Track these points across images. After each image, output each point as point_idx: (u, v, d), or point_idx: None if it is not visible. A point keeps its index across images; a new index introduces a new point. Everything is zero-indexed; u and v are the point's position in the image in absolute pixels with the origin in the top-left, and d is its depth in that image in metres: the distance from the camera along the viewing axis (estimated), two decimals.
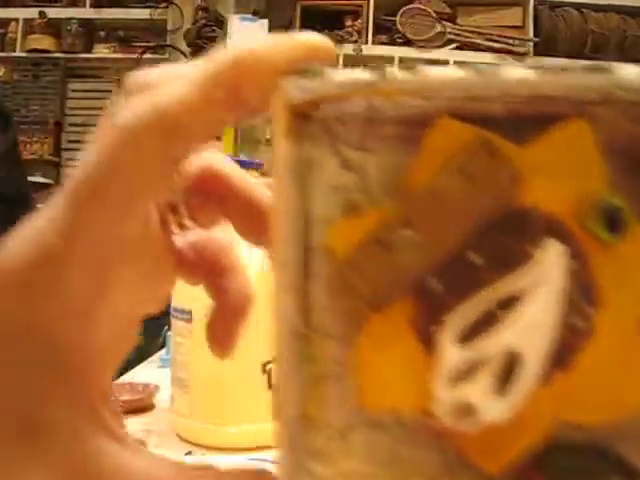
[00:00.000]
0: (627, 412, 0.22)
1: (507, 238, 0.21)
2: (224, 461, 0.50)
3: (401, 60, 2.89)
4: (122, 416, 0.23)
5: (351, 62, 2.82)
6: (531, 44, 3.07)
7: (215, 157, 0.28)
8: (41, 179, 3.12)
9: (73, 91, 3.53)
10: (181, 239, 0.28)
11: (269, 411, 0.56)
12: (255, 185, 0.28)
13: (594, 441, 0.23)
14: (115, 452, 0.19)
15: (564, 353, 0.21)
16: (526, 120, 0.20)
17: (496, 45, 3.05)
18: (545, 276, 0.20)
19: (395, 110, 0.20)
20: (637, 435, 0.23)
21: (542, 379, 0.21)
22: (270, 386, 0.55)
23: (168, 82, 0.20)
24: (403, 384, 0.22)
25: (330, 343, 0.23)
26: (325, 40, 0.21)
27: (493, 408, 0.21)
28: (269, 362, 0.55)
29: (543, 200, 0.20)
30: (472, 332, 0.21)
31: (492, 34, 3.07)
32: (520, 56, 3.04)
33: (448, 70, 0.19)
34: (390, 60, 2.89)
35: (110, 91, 3.39)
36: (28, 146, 3.24)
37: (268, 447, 0.53)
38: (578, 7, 3.06)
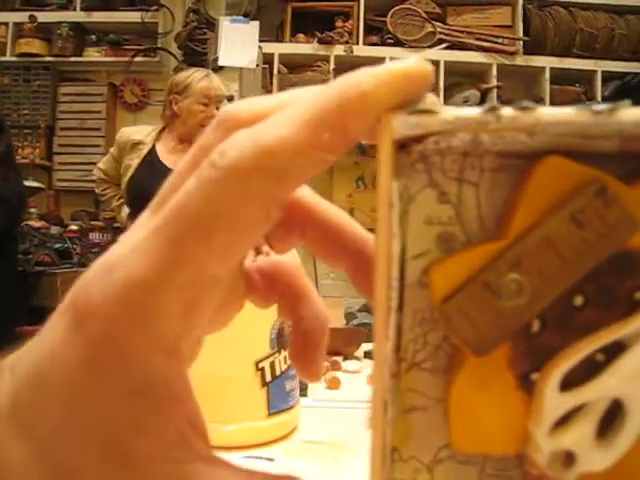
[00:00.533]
0: None
1: (616, 283, 0.20)
2: None
3: (392, 60, 2.88)
4: (209, 437, 0.23)
5: (342, 63, 2.82)
6: (520, 43, 3.08)
7: None
8: (33, 183, 3.08)
9: (64, 95, 3.48)
10: (251, 262, 0.28)
11: (262, 409, 0.55)
12: (336, 213, 0.28)
13: None
14: (209, 473, 0.20)
15: None
16: (634, 158, 0.20)
17: (486, 44, 3.06)
18: None
19: (500, 144, 0.20)
20: None
21: None
22: (263, 384, 0.55)
23: (273, 118, 0.19)
24: (499, 427, 0.22)
25: (419, 375, 0.23)
26: (421, 63, 0.21)
27: (593, 457, 0.20)
28: (262, 360, 0.55)
29: None
30: (576, 379, 0.20)
31: (482, 33, 3.08)
32: (510, 55, 3.06)
33: (561, 110, 0.19)
34: (381, 60, 2.89)
35: (101, 94, 3.36)
36: (20, 150, 3.20)
37: (261, 445, 0.53)
38: (566, 6, 3.09)
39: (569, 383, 0.21)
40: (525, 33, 3.12)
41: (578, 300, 0.20)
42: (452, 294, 0.20)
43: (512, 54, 3.16)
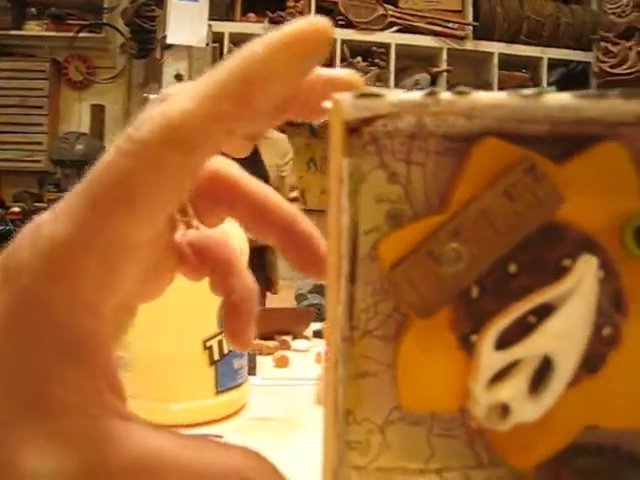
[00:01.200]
0: None
1: (545, 252, 0.22)
2: None
3: (343, 42, 2.89)
4: (126, 398, 0.24)
5: None
6: (470, 28, 3.13)
7: (222, 162, 0.29)
8: None
9: (3, 70, 3.33)
10: (182, 237, 0.29)
11: (210, 387, 0.56)
12: (263, 188, 0.29)
13: (620, 443, 0.25)
14: (125, 428, 0.21)
15: (593, 360, 0.23)
16: (565, 141, 0.22)
17: (437, 28, 3.09)
18: (579, 287, 0.22)
19: (443, 127, 0.22)
20: None
21: (571, 383, 0.23)
22: (211, 362, 0.56)
23: (180, 92, 0.21)
24: (442, 385, 0.24)
25: (371, 342, 0.25)
26: (314, 21, 0.22)
27: (526, 409, 0.23)
28: (210, 338, 0.56)
29: (580, 217, 0.22)
30: (510, 338, 0.23)
31: (432, 17, 3.11)
32: (460, 40, 3.10)
33: (494, 94, 0.20)
34: (332, 42, 2.89)
35: (44, 71, 3.24)
36: None
37: (210, 422, 0.54)
38: None
39: (505, 343, 0.23)
40: (475, 18, 3.17)
41: (512, 268, 0.22)
42: (398, 263, 0.22)
43: (462, 39, 3.20)
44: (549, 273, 0.22)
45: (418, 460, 0.26)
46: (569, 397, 0.23)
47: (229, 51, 2.62)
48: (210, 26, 2.55)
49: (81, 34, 3.14)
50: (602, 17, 3.01)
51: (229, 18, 2.91)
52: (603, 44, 3.16)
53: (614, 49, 3.08)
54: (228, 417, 0.60)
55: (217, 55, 2.62)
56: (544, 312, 0.22)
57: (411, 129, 0.22)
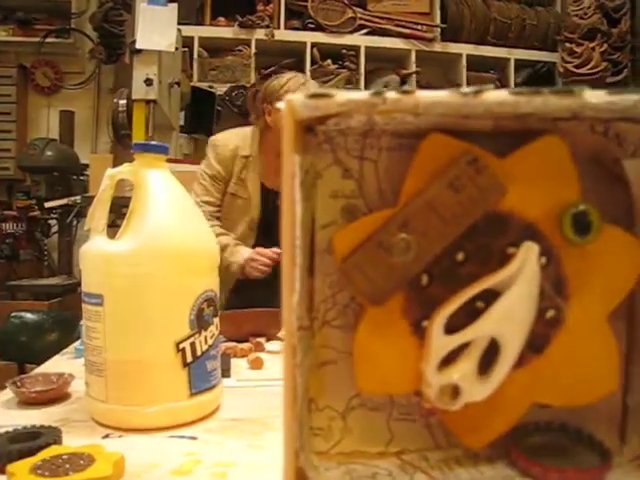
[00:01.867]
0: (594, 397, 0.26)
1: (491, 241, 0.23)
2: (143, 442, 0.51)
3: (313, 45, 2.90)
4: None
5: (263, 47, 2.81)
6: (438, 30, 3.17)
7: None
8: None
9: None
10: None
11: (184, 389, 0.56)
12: None
13: (567, 421, 0.26)
14: None
15: (538, 341, 0.25)
16: (508, 135, 0.23)
17: (405, 31, 3.12)
18: (522, 273, 0.23)
19: (392, 125, 0.23)
20: (603, 417, 0.27)
21: (518, 364, 0.24)
22: (184, 365, 0.57)
23: None
24: (397, 369, 0.25)
25: (330, 332, 0.26)
26: None
27: (475, 389, 0.24)
28: (182, 341, 0.56)
29: (522, 207, 0.23)
30: (459, 323, 0.24)
31: (401, 20, 3.14)
32: (428, 42, 3.14)
33: (437, 93, 0.22)
34: (302, 45, 2.90)
35: (10, 76, 3.19)
36: None
37: (185, 425, 0.54)
38: None
39: (455, 327, 0.24)
40: (442, 21, 3.21)
41: (460, 256, 0.24)
42: (351, 253, 0.23)
43: (430, 41, 3.24)
44: (495, 260, 0.24)
45: (378, 444, 0.28)
46: (517, 377, 0.24)
47: (199, 55, 2.62)
48: (180, 30, 2.54)
49: (48, 39, 3.09)
50: (566, 19, 3.08)
51: (199, 22, 2.90)
52: (567, 45, 3.23)
53: (578, 50, 3.14)
54: (203, 419, 0.60)
55: (187, 59, 2.61)
56: (491, 298, 0.24)
57: (363, 127, 0.23)
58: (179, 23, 2.59)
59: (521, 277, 0.23)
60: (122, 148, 2.06)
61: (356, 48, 3.16)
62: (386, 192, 0.25)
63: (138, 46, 2.21)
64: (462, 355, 0.24)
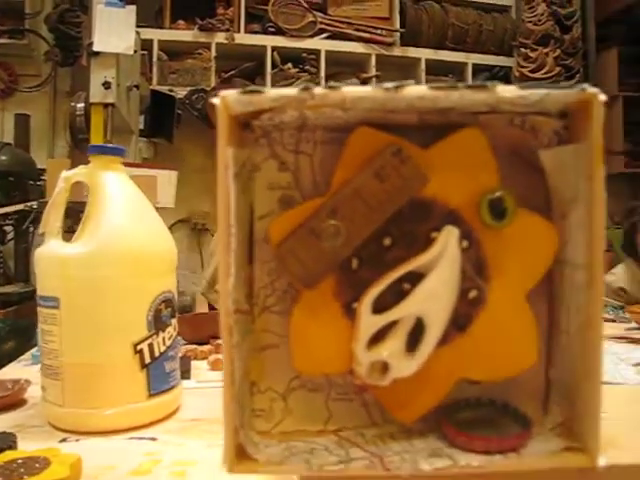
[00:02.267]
0: (515, 371, 0.28)
1: (415, 226, 0.25)
2: (101, 444, 0.51)
3: (274, 49, 2.92)
4: None
5: (223, 50, 2.81)
6: (398, 34, 3.22)
7: None
8: None
9: None
10: None
11: (142, 390, 0.57)
12: None
13: (495, 397, 0.28)
14: None
15: (461, 319, 0.26)
16: (431, 128, 0.25)
17: (365, 35, 3.16)
18: (444, 255, 0.25)
19: (322, 119, 0.24)
20: (528, 391, 0.29)
21: (443, 341, 0.26)
22: (143, 366, 0.57)
23: None
24: (331, 349, 0.26)
25: (270, 317, 0.27)
26: None
27: (403, 365, 0.26)
28: (140, 342, 0.56)
29: (444, 194, 0.25)
30: (387, 304, 0.26)
31: (361, 24, 3.17)
32: (388, 46, 3.19)
33: (362, 88, 0.23)
34: (262, 49, 2.91)
35: None
36: None
37: (144, 426, 0.55)
38: (439, 1, 3.25)
39: (384, 308, 0.26)
40: (402, 25, 3.26)
41: (387, 241, 0.25)
42: (285, 239, 0.24)
43: (390, 45, 3.28)
44: (419, 245, 0.25)
45: (317, 423, 0.29)
46: (442, 354, 0.26)
47: (159, 58, 2.61)
48: (138, 33, 2.52)
49: (1, 40, 3.03)
50: (520, 25, 3.17)
51: (158, 25, 2.88)
52: (522, 50, 3.32)
53: (533, 55, 3.24)
54: (162, 420, 0.60)
55: (147, 62, 2.59)
56: (417, 280, 0.26)
57: (296, 122, 0.25)
58: (138, 26, 2.56)
59: (443, 259, 0.25)
60: (80, 152, 2.03)
61: (316, 52, 3.19)
62: (320, 184, 0.26)
63: (95, 48, 2.18)
64: (390, 334, 0.26)
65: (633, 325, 1.10)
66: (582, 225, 0.25)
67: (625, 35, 3.15)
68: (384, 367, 0.25)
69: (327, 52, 3.24)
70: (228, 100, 0.23)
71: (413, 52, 3.52)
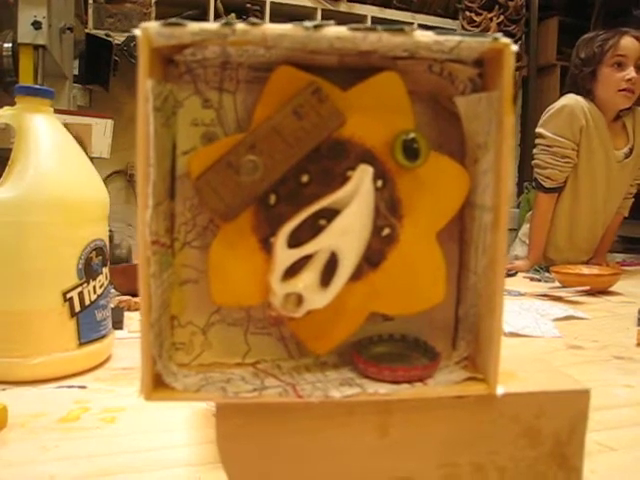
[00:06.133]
0: (425, 306, 0.29)
1: (332, 164, 0.26)
2: (29, 393, 0.51)
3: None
4: None
5: None
6: None
7: None
8: None
9: None
10: None
11: (72, 339, 0.56)
12: None
13: (407, 332, 0.30)
14: None
15: (374, 255, 0.28)
16: (351, 71, 0.26)
17: None
18: (358, 192, 0.26)
19: (245, 57, 0.25)
20: (438, 327, 0.31)
21: (357, 277, 0.27)
22: (72, 314, 0.57)
23: None
24: (248, 282, 0.27)
25: (190, 252, 0.27)
26: None
27: (317, 298, 0.27)
28: (69, 290, 0.56)
29: (361, 134, 0.26)
30: (303, 239, 0.26)
31: None
32: (334, 1, 3.14)
33: (282, 26, 0.24)
34: None
35: None
36: None
37: (74, 375, 0.55)
38: None
39: (301, 243, 0.27)
40: None
41: (304, 178, 0.26)
42: (203, 173, 0.25)
43: (336, 1, 3.24)
44: (336, 183, 0.26)
45: (236, 356, 0.30)
46: (355, 288, 0.28)
47: (95, 1, 2.48)
48: None
49: None
50: None
51: None
52: (467, 13, 3.35)
53: (477, 19, 3.27)
54: (93, 369, 0.60)
55: (81, 4, 2.47)
56: (332, 216, 0.26)
57: (218, 58, 0.25)
58: None
59: (357, 196, 0.26)
60: (8, 96, 1.94)
61: (261, 3, 3.11)
62: (243, 122, 0.27)
63: None
64: (305, 268, 0.27)
65: (556, 284, 1.16)
66: (491, 170, 0.26)
67: (567, 5, 3.22)
68: (299, 299, 0.26)
69: (272, 4, 3.16)
70: (149, 32, 0.23)
71: (359, 9, 3.48)
